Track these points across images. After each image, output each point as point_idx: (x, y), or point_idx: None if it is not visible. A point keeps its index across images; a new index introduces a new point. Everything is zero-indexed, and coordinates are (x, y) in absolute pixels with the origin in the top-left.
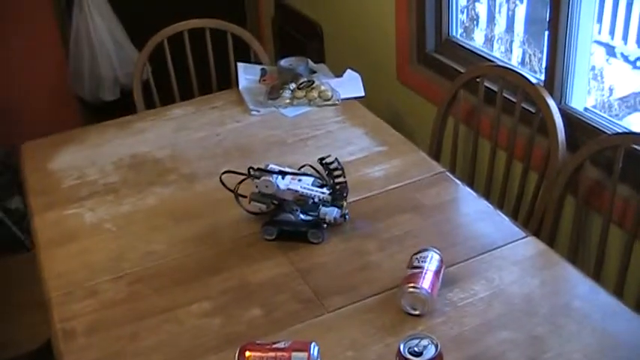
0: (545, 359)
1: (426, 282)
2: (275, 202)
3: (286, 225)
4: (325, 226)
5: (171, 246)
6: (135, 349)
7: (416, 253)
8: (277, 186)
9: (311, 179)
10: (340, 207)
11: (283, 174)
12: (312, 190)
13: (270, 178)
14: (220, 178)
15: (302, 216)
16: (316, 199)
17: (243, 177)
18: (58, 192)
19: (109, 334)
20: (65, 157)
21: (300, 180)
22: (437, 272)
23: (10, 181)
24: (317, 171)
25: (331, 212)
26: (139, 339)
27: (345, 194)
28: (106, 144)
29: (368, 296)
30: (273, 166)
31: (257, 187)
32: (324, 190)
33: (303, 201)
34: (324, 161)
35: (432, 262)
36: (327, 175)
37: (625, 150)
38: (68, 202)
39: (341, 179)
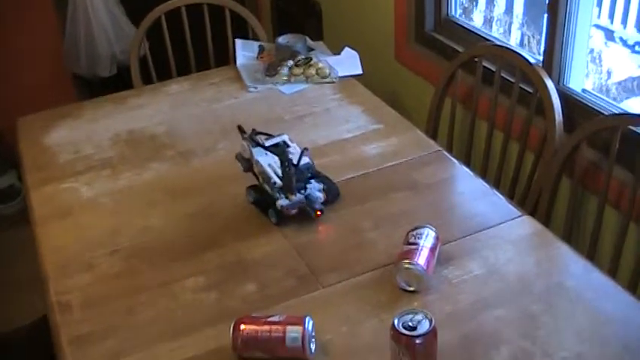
0: (538, 337)
1: (421, 258)
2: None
3: (261, 194)
4: (293, 211)
5: (168, 221)
6: (130, 323)
7: (412, 230)
8: (251, 154)
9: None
10: (287, 198)
11: (266, 148)
12: (271, 172)
13: (246, 144)
14: (238, 126)
15: (276, 193)
16: (271, 182)
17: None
18: (54, 167)
19: (105, 308)
20: (61, 132)
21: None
22: (432, 249)
23: None
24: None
25: (283, 201)
26: (134, 313)
27: (292, 187)
28: (103, 119)
29: (363, 273)
30: (285, 139)
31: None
32: (279, 176)
33: (264, 177)
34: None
35: (427, 239)
36: (280, 163)
37: (622, 131)
38: (64, 177)
39: (290, 172)
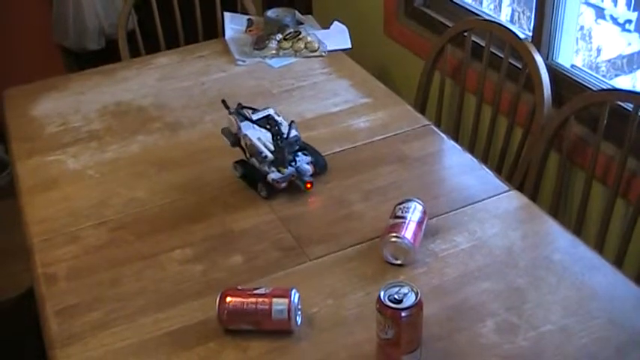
0: (524, 310)
1: (408, 232)
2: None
3: (249, 169)
4: (283, 184)
5: (154, 193)
6: (116, 295)
7: (399, 204)
8: (239, 128)
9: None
10: (279, 171)
11: (254, 122)
12: (261, 146)
13: (233, 118)
14: (222, 101)
15: (266, 167)
16: (262, 156)
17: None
18: (41, 138)
19: (91, 280)
20: (48, 104)
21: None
22: (419, 223)
23: None
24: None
25: (274, 174)
26: (120, 284)
27: (285, 160)
28: (90, 91)
29: (350, 245)
30: (271, 113)
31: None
32: (271, 150)
33: (253, 151)
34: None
35: (414, 212)
36: (272, 136)
37: (610, 107)
38: (51, 149)
39: (282, 145)
